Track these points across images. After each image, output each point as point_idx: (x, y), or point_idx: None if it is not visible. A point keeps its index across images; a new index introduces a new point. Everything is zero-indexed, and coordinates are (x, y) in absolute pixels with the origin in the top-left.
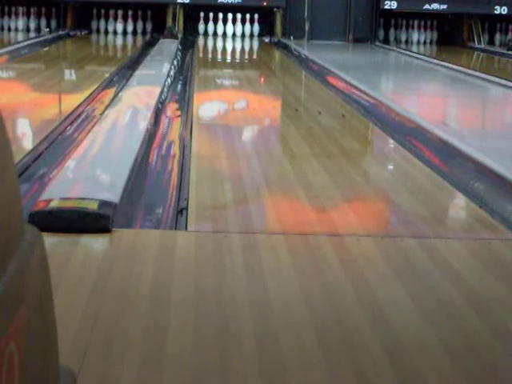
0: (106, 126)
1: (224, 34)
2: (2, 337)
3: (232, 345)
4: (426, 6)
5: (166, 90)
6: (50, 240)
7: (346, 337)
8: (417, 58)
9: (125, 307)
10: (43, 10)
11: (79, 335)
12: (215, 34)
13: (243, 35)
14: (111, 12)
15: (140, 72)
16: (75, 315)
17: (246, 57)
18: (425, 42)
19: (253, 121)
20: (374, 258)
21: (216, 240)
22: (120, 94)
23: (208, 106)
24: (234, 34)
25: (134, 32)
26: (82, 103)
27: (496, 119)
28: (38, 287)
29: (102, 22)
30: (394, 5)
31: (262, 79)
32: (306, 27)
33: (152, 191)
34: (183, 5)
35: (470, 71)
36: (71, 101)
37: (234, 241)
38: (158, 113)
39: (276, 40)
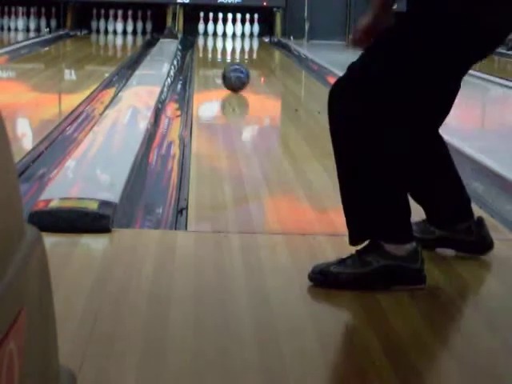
0: (106, 126)
1: (224, 34)
2: (2, 337)
3: (231, 344)
4: None
5: (165, 90)
6: (49, 240)
7: (346, 335)
8: None
9: (125, 307)
10: (43, 10)
11: (79, 335)
12: (215, 34)
13: (243, 35)
14: (111, 12)
15: (140, 72)
16: (75, 315)
17: (246, 57)
18: None
19: (253, 121)
20: None
21: (216, 240)
22: (120, 93)
23: (208, 106)
24: (233, 34)
25: (134, 32)
26: (81, 103)
27: (496, 119)
28: (38, 287)
29: (102, 22)
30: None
31: (262, 79)
32: (306, 27)
33: (152, 191)
34: (183, 5)
35: (470, 71)
36: (71, 101)
37: (234, 241)
38: (158, 113)
39: (276, 40)
